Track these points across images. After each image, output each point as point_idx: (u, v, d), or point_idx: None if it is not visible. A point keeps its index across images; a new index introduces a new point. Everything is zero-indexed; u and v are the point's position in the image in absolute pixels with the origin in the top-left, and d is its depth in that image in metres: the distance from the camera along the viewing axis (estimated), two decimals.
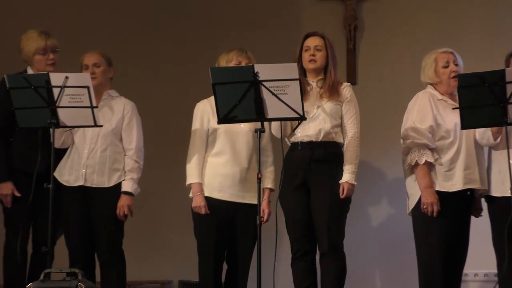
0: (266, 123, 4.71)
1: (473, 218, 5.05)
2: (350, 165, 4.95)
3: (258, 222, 4.60)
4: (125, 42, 6.80)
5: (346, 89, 5.05)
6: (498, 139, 4.85)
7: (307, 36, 5.10)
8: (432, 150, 4.92)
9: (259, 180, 4.63)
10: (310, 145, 4.96)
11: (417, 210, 4.92)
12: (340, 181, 4.92)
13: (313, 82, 5.06)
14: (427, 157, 4.89)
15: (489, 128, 4.83)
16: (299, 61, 5.05)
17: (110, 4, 6.95)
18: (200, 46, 6.73)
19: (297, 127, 4.97)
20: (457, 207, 4.93)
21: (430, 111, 4.95)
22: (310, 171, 4.94)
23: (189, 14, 6.90)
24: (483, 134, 4.91)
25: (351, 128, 5.00)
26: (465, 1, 6.56)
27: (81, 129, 5.11)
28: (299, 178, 4.96)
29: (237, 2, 6.87)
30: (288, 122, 4.98)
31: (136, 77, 6.71)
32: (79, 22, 6.84)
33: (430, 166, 4.91)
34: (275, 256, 4.75)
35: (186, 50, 6.85)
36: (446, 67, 5.03)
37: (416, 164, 4.90)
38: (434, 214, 4.84)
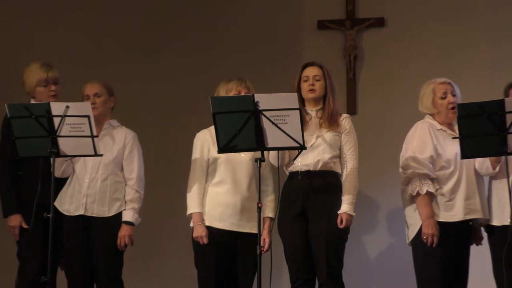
0: (265, 152, 4.73)
1: (475, 247, 5.05)
2: (349, 196, 4.95)
3: (258, 251, 4.59)
4: (126, 72, 6.82)
5: (345, 121, 5.07)
6: (497, 169, 4.86)
7: (305, 66, 5.14)
8: (433, 180, 4.92)
9: (259, 209, 4.63)
10: (308, 174, 4.97)
11: (417, 240, 4.91)
12: (339, 212, 4.92)
13: (312, 111, 5.08)
14: (428, 187, 4.88)
15: (488, 158, 4.84)
16: (298, 91, 5.07)
17: (112, 35, 6.97)
18: (199, 75, 6.75)
19: (297, 156, 4.98)
20: (458, 238, 4.93)
21: (430, 141, 4.95)
22: (308, 200, 4.94)
23: (187, 43, 6.92)
24: (482, 164, 4.91)
25: (350, 159, 5.02)
26: (465, 32, 6.58)
27: (82, 158, 5.12)
28: (297, 207, 4.95)
29: (236, 32, 6.89)
30: (286, 151, 4.98)
31: (136, 107, 6.72)
32: (81, 53, 6.87)
33: (431, 196, 4.91)
34: (270, 285, 4.73)
35: (186, 79, 6.86)
36: (444, 98, 5.05)
37: (417, 194, 4.90)
38: (434, 244, 4.83)
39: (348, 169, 5.00)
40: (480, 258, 5.07)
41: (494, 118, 4.52)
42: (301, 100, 5.07)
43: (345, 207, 4.92)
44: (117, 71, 6.66)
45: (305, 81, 5.08)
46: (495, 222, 4.88)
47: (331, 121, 5.02)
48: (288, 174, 5.06)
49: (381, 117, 6.57)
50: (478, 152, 4.67)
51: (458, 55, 6.53)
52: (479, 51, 6.52)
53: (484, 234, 5.05)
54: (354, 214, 4.94)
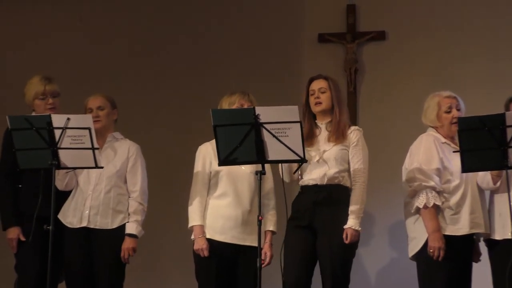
0: (267, 166, 4.72)
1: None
2: (354, 210, 4.90)
3: (258, 264, 4.58)
4: (129, 83, 6.84)
5: (353, 133, 5.03)
6: (498, 183, 4.85)
7: (311, 80, 5.12)
8: (439, 193, 4.89)
9: (260, 222, 4.62)
10: (315, 189, 4.95)
11: (422, 255, 4.88)
12: (345, 227, 4.88)
13: (322, 125, 5.06)
14: (435, 200, 4.84)
15: (489, 172, 4.83)
16: (307, 106, 5.06)
17: (114, 46, 7.00)
18: (202, 88, 6.77)
19: (297, 169, 4.97)
20: (462, 252, 4.90)
21: (436, 153, 4.92)
22: (314, 214, 4.92)
23: (190, 57, 6.95)
24: (483, 178, 4.90)
25: (358, 173, 4.97)
26: (466, 44, 6.60)
27: (86, 170, 5.12)
28: (304, 221, 4.93)
29: (237, 46, 6.91)
30: (294, 167, 4.95)
31: (140, 120, 6.74)
32: (84, 66, 6.90)
33: (437, 209, 4.87)
34: None
35: (189, 92, 6.88)
36: (449, 112, 5.03)
37: (424, 207, 4.85)
38: (440, 258, 4.79)
39: (355, 183, 4.97)
40: (480, 272, 5.05)
41: (494, 132, 4.51)
42: (312, 115, 5.06)
43: (351, 222, 4.87)
44: (121, 85, 6.68)
45: (312, 94, 5.07)
46: (496, 236, 4.87)
47: (338, 134, 4.97)
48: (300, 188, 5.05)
49: (381, 130, 6.57)
50: (479, 166, 4.66)
51: (458, 70, 6.54)
52: (479, 66, 6.53)
53: (483, 250, 5.02)
54: (360, 229, 4.89)
